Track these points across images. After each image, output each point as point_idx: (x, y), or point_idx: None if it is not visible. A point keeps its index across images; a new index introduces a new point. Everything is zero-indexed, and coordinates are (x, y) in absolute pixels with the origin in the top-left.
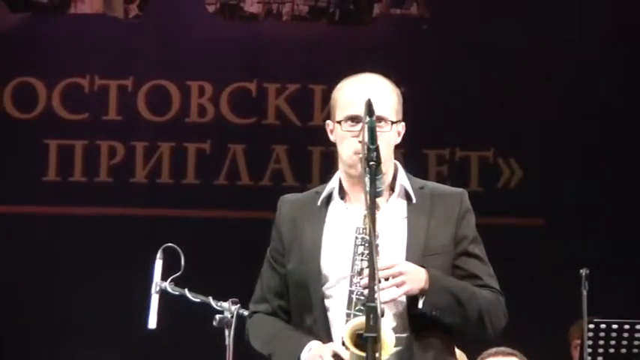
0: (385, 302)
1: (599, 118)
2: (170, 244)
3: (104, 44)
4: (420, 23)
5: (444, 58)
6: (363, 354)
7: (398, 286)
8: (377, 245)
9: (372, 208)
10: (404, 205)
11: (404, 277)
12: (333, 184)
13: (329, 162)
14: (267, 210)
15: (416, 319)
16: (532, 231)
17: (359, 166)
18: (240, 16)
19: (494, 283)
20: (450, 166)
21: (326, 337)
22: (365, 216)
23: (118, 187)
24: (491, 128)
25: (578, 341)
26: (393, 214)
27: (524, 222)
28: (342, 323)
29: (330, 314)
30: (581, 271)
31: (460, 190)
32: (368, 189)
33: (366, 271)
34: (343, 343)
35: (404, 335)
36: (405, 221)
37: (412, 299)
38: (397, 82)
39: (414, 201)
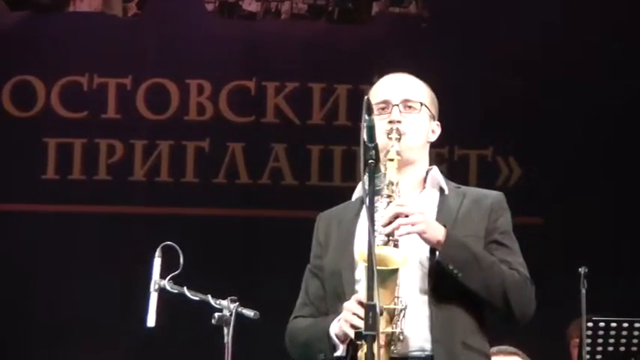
0: (398, 235)
1: (598, 117)
2: (169, 242)
3: (103, 42)
4: (419, 22)
5: (442, 56)
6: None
7: (413, 224)
8: (397, 189)
9: (371, 207)
10: (436, 195)
11: (421, 217)
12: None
13: (328, 160)
14: (266, 208)
15: (437, 281)
16: (530, 230)
17: (389, 145)
18: (239, 14)
19: (525, 271)
20: (449, 165)
21: None
22: (385, 161)
23: (116, 186)
24: (490, 127)
25: (577, 340)
26: (424, 203)
27: (522, 221)
28: None
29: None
30: (579, 269)
31: (499, 192)
32: (366, 187)
33: (385, 211)
34: (357, 342)
35: (424, 297)
36: (435, 209)
37: (432, 256)
38: None
39: (447, 193)
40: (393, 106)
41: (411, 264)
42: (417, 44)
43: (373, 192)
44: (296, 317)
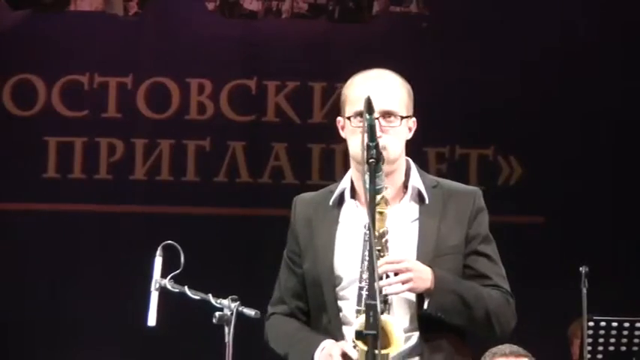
0: (389, 294)
1: (599, 116)
2: (170, 241)
3: (104, 41)
4: (419, 21)
5: (443, 55)
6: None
7: (403, 282)
8: (386, 241)
9: (372, 205)
10: (416, 207)
11: (410, 275)
12: (344, 184)
13: (328, 159)
14: (267, 207)
15: (426, 319)
16: (532, 229)
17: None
18: (239, 13)
19: (505, 284)
20: (450, 164)
21: (340, 336)
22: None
23: (117, 185)
24: (491, 126)
25: (578, 339)
26: (405, 216)
27: (523, 220)
28: (353, 327)
29: (342, 315)
30: (580, 268)
31: (474, 188)
32: (367, 186)
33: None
34: (354, 341)
35: (414, 334)
36: (417, 223)
37: (420, 299)
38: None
39: (427, 201)
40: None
41: (398, 310)
42: (417, 43)
43: (374, 190)
44: (274, 314)
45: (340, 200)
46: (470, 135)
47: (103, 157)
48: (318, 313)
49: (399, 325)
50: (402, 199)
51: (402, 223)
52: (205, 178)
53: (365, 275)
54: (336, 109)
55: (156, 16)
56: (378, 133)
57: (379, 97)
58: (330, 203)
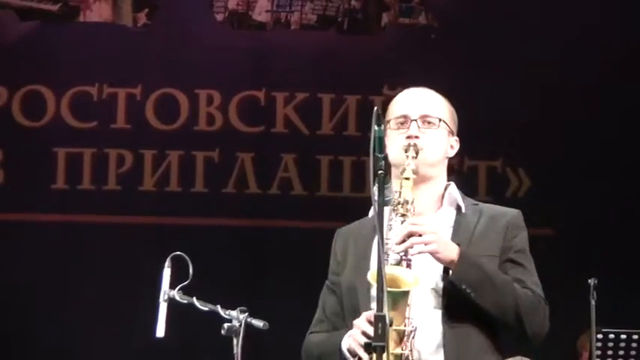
0: (411, 254)
1: (607, 128)
2: (178, 252)
3: (113, 53)
4: (428, 32)
5: (452, 67)
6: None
7: (426, 244)
8: (412, 207)
9: (380, 218)
10: (452, 214)
11: (434, 237)
12: None
13: (337, 171)
14: (276, 218)
15: (451, 300)
16: (540, 241)
17: (404, 161)
18: (248, 24)
19: (539, 291)
20: (458, 176)
21: None
22: (400, 180)
23: (126, 196)
24: (500, 138)
25: (587, 352)
26: (440, 222)
27: (532, 232)
28: None
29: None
30: (589, 281)
31: (516, 210)
32: (376, 198)
33: (397, 229)
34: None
35: (438, 326)
36: (451, 230)
37: (446, 274)
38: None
39: (464, 211)
40: (412, 121)
41: (423, 283)
42: (426, 55)
43: (383, 203)
44: (312, 332)
45: None
46: (478, 147)
47: (111, 168)
48: (351, 318)
49: (409, 272)
50: (438, 208)
51: (437, 227)
52: (214, 189)
53: (387, 235)
54: (345, 121)
55: (165, 27)
56: (416, 132)
57: (420, 102)
58: (370, 215)
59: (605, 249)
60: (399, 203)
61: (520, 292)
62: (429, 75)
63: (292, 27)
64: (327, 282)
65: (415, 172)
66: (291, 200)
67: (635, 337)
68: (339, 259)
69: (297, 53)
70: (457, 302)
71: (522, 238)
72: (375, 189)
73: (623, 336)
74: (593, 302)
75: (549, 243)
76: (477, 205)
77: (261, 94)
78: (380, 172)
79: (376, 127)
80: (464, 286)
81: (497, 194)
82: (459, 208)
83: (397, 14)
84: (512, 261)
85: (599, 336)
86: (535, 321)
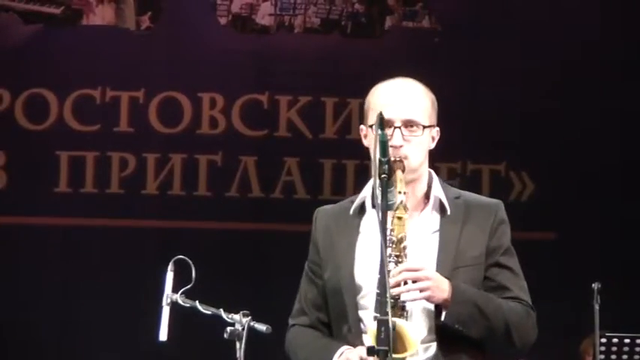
0: (406, 300)
1: (611, 132)
2: (181, 256)
3: (116, 56)
4: (431, 36)
5: (455, 71)
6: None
7: (421, 290)
8: (404, 247)
9: (384, 221)
10: (437, 218)
11: (429, 283)
12: (364, 193)
13: (340, 174)
14: (279, 222)
15: (444, 331)
16: (544, 245)
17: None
18: (251, 28)
19: (526, 297)
20: (462, 180)
21: (360, 345)
22: (393, 218)
23: (129, 199)
24: (503, 142)
25: (590, 356)
26: (426, 227)
27: (535, 236)
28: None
29: (362, 323)
30: (593, 285)
31: (496, 200)
32: (379, 202)
33: (394, 272)
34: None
35: (432, 345)
36: (437, 235)
37: (438, 311)
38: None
39: (449, 212)
40: (395, 128)
41: (416, 319)
42: (429, 58)
43: (386, 207)
44: (294, 325)
45: (361, 209)
46: (482, 150)
47: (114, 172)
48: (338, 322)
49: (414, 330)
50: (423, 209)
51: (423, 233)
52: (217, 192)
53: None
54: (348, 124)
55: (168, 30)
56: (400, 142)
57: (402, 106)
58: (351, 213)
59: (609, 253)
60: (392, 242)
61: (509, 312)
62: (432, 79)
63: (295, 30)
64: (306, 268)
65: (406, 209)
66: (294, 204)
67: (639, 341)
68: (320, 250)
69: (300, 57)
70: (450, 335)
71: (507, 234)
72: (378, 193)
73: (627, 340)
74: (596, 306)
75: (553, 247)
76: (459, 198)
77: (264, 98)
78: (383, 176)
79: (380, 131)
80: (457, 325)
81: (500, 198)
82: (442, 207)
83: (400, 18)
84: (499, 265)
85: (603, 340)
86: (524, 334)
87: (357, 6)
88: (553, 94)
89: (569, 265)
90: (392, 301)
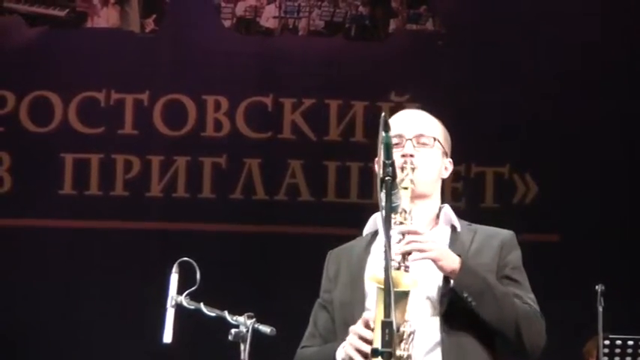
0: (412, 260)
1: (615, 134)
2: (186, 258)
3: (120, 58)
4: (435, 39)
5: (459, 74)
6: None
7: (422, 251)
8: (411, 217)
9: (387, 223)
10: (447, 231)
11: (435, 245)
12: (376, 216)
13: (344, 177)
14: (283, 224)
15: (449, 321)
16: (547, 247)
17: (404, 177)
18: (256, 30)
19: (536, 307)
20: (466, 182)
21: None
22: (398, 189)
23: (133, 201)
24: (507, 144)
25: (594, 358)
26: (436, 239)
27: (539, 238)
28: None
29: None
30: (596, 287)
31: (509, 231)
32: (383, 204)
33: (399, 235)
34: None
35: (436, 337)
36: (447, 245)
37: (445, 290)
38: (412, 98)
39: (459, 230)
40: (407, 140)
41: (422, 289)
42: (433, 61)
43: (390, 209)
44: (304, 347)
45: (375, 232)
46: (486, 153)
47: (119, 174)
48: (343, 331)
49: (408, 276)
50: (433, 227)
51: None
52: (221, 194)
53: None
54: (353, 127)
55: (172, 32)
56: (411, 151)
57: (415, 122)
58: (364, 234)
59: (613, 255)
60: (397, 212)
61: (519, 306)
62: (436, 81)
63: (300, 33)
64: (318, 300)
65: (412, 183)
66: (298, 206)
67: None
68: (331, 278)
69: (304, 59)
70: (456, 310)
71: (517, 256)
72: (381, 195)
73: (630, 342)
74: (600, 308)
75: (556, 249)
76: (470, 225)
77: (268, 100)
78: (387, 178)
79: (384, 134)
80: (466, 294)
81: (504, 201)
82: (453, 227)
83: (405, 21)
84: (508, 277)
85: (606, 342)
86: (533, 334)
87: (361, 9)
88: (557, 96)
89: (572, 267)
90: (396, 264)
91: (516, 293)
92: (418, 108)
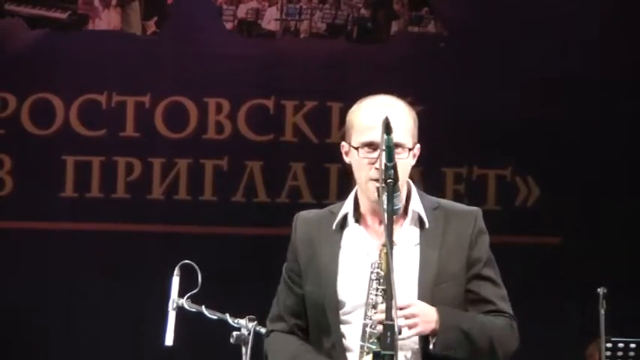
0: (396, 339)
1: (616, 137)
2: (187, 261)
3: (122, 61)
4: (437, 41)
5: (461, 76)
6: None
7: (410, 327)
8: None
9: (390, 225)
10: (416, 232)
11: (417, 319)
12: (347, 207)
13: (346, 179)
14: (284, 227)
15: (429, 357)
16: (549, 250)
17: (375, 194)
18: (257, 33)
19: (507, 307)
20: (468, 185)
21: None
22: (380, 250)
23: (135, 204)
24: (509, 146)
25: None
26: (405, 242)
27: (541, 240)
28: (357, 354)
29: (346, 341)
30: (598, 289)
31: (474, 209)
32: (385, 207)
33: (381, 306)
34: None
35: None
36: (417, 249)
37: (425, 338)
38: (414, 101)
39: (427, 226)
40: (382, 151)
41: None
42: (435, 63)
43: (392, 211)
44: (273, 331)
45: (343, 223)
46: (488, 155)
47: (120, 177)
48: (319, 336)
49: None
50: (402, 224)
51: (403, 247)
52: (223, 197)
53: (370, 312)
54: None
55: (174, 35)
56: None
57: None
58: (333, 227)
59: (614, 258)
60: (378, 275)
61: (493, 330)
62: (438, 83)
63: (301, 35)
64: (285, 274)
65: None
66: (300, 209)
67: None
68: (300, 261)
69: (306, 62)
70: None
71: (486, 244)
72: (384, 197)
73: (632, 345)
74: (602, 311)
75: (558, 251)
76: (437, 208)
77: (270, 103)
78: (389, 180)
79: (386, 136)
80: (445, 352)
81: (506, 203)
82: (421, 220)
83: (406, 23)
84: (480, 277)
85: (609, 345)
86: (507, 347)
87: (362, 11)
88: (560, 98)
89: (574, 270)
90: (377, 333)
91: (488, 299)
92: (419, 110)
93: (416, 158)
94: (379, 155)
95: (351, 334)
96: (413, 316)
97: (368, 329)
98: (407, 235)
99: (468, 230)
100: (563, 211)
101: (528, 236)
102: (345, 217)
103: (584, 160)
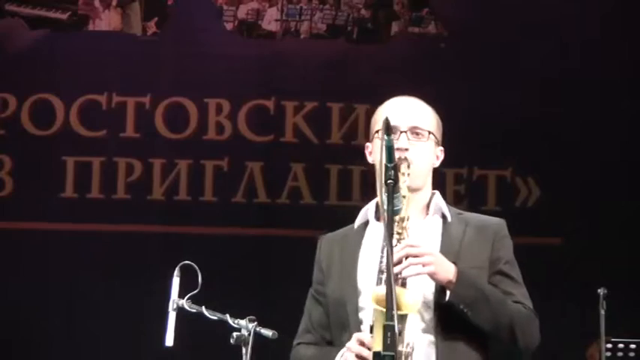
0: (408, 276)
1: (617, 137)
2: (187, 261)
3: (122, 61)
4: (437, 42)
5: (461, 76)
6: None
7: (424, 265)
8: (407, 226)
9: (390, 227)
10: (439, 222)
11: (432, 259)
12: (368, 206)
13: (346, 180)
14: (285, 227)
15: (444, 325)
16: (550, 250)
17: (402, 182)
18: (258, 33)
19: (528, 303)
20: (468, 185)
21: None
22: (399, 220)
23: (135, 204)
24: (510, 147)
25: None
26: (428, 231)
27: (541, 241)
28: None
29: (363, 328)
30: (598, 290)
31: (499, 219)
32: (385, 207)
33: (397, 249)
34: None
35: (430, 341)
36: (439, 237)
37: (441, 291)
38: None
39: (449, 220)
40: (401, 132)
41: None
42: (436, 64)
43: (392, 212)
44: (299, 344)
45: (365, 225)
46: (488, 156)
47: (120, 177)
48: (339, 332)
49: (410, 294)
50: (425, 216)
51: (425, 237)
52: (223, 198)
53: (384, 260)
54: (354, 130)
55: (174, 36)
56: (406, 145)
57: (408, 114)
58: (356, 226)
59: (615, 258)
60: (395, 221)
61: (514, 308)
62: (438, 84)
63: (302, 36)
64: (311, 290)
65: (410, 190)
66: (300, 209)
67: None
68: (324, 269)
69: (306, 62)
70: (451, 321)
71: (509, 248)
72: (384, 198)
73: (633, 345)
74: (602, 312)
75: (559, 252)
76: (461, 214)
77: (270, 104)
78: (389, 181)
79: (386, 137)
80: (462, 306)
81: (506, 204)
82: (444, 216)
83: (407, 23)
84: (501, 273)
85: (609, 345)
86: (528, 335)
87: (363, 12)
88: (560, 99)
89: (574, 271)
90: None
91: (509, 291)
92: None
93: (439, 160)
94: (399, 136)
95: (368, 323)
96: (428, 254)
97: (383, 276)
98: (429, 225)
99: (490, 233)
100: (563, 211)
101: (528, 237)
102: (366, 220)
103: (584, 160)
